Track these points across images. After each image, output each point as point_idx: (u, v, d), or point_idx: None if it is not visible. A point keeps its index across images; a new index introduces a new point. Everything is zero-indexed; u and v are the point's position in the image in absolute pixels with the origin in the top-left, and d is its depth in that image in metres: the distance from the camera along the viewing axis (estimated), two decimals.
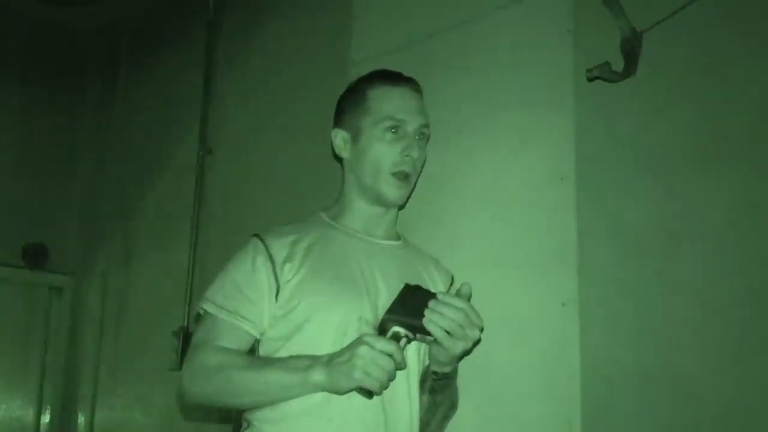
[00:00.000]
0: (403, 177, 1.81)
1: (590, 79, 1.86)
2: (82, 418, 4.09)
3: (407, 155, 1.81)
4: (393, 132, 1.81)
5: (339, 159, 1.94)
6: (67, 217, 4.45)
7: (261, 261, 1.72)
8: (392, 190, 1.82)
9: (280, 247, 1.74)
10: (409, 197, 1.90)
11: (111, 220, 4.20)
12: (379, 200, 1.84)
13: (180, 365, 3.03)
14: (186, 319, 3.24)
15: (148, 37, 4.26)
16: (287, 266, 1.71)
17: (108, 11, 4.37)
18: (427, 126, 1.87)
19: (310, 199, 2.61)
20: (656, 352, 1.72)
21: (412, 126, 1.83)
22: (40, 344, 4.37)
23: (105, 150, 4.40)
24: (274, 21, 3.19)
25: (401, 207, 1.95)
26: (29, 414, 4.29)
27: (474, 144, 2.15)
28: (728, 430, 1.58)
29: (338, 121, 1.91)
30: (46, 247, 4.31)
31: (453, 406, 1.89)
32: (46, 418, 4.30)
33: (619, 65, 1.83)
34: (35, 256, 4.28)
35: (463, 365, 1.81)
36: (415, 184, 1.90)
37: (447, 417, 1.89)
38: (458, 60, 2.25)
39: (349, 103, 1.90)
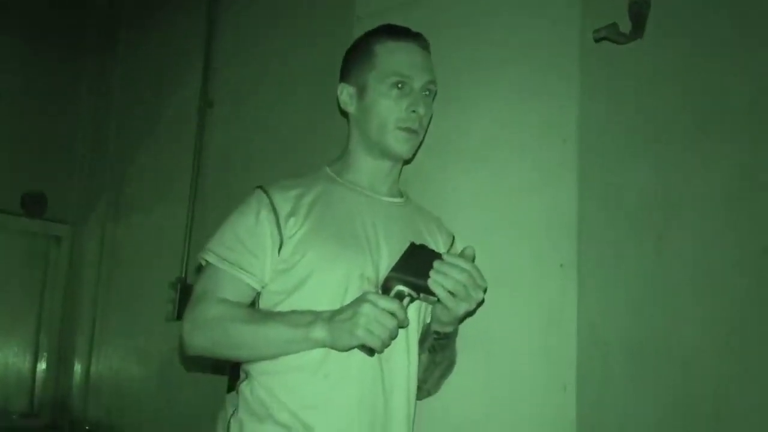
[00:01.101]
0: (410, 131, 1.81)
1: (597, 40, 1.84)
2: (79, 367, 4.11)
3: (413, 111, 1.80)
4: (399, 88, 1.80)
5: (345, 114, 1.93)
6: (67, 166, 4.43)
7: (264, 214, 1.72)
8: (399, 144, 1.81)
9: (284, 200, 1.74)
10: (416, 151, 1.90)
11: (111, 171, 4.19)
12: (386, 154, 1.84)
13: (177, 316, 3.06)
14: (184, 271, 3.25)
15: None
16: (291, 220, 1.71)
17: None
18: (433, 82, 1.86)
19: (310, 153, 2.61)
20: (652, 318, 1.73)
21: (418, 82, 1.82)
22: (37, 293, 4.38)
23: (106, 100, 4.37)
24: None
25: (408, 161, 1.95)
26: (25, 362, 4.32)
27: (477, 102, 2.15)
28: (722, 396, 1.59)
29: (344, 76, 1.90)
30: (45, 195, 4.31)
31: (451, 366, 1.91)
32: (42, 367, 4.33)
33: (626, 27, 1.82)
34: (34, 205, 4.27)
35: (461, 326, 1.82)
36: (423, 139, 1.89)
37: (444, 376, 1.91)
38: (463, 17, 2.23)
39: (355, 58, 1.89)
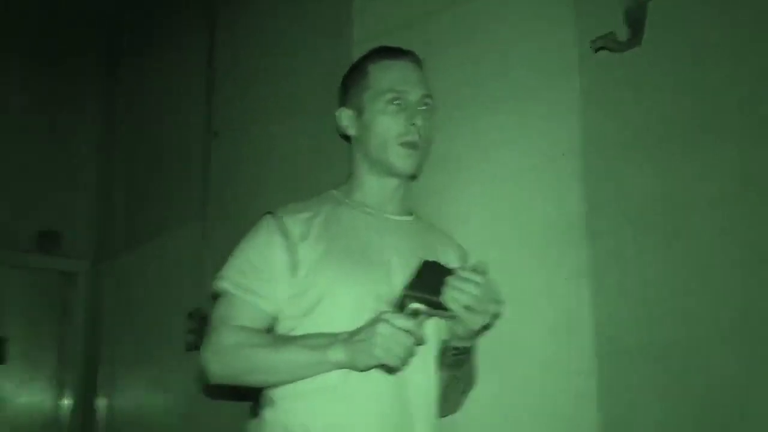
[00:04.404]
0: (411, 146, 1.82)
1: (595, 50, 1.85)
2: (103, 402, 4.12)
3: (412, 124, 1.81)
4: (396, 104, 1.82)
5: (346, 138, 1.95)
6: (79, 202, 4.47)
7: (276, 238, 1.73)
8: (401, 160, 1.82)
9: (295, 224, 1.75)
10: (420, 167, 1.91)
11: (123, 204, 4.22)
12: (390, 171, 1.85)
13: (196, 346, 3.06)
14: (201, 300, 3.27)
15: (150, 22, 4.26)
16: (303, 244, 1.73)
17: None
18: (429, 96, 1.88)
19: (317, 177, 2.62)
20: (668, 322, 1.72)
21: (413, 96, 1.84)
22: (56, 330, 4.41)
23: (113, 135, 4.42)
24: (277, 1, 3.19)
25: (413, 178, 1.95)
26: (48, 400, 4.34)
27: (479, 120, 2.16)
28: (743, 398, 1.59)
29: (342, 100, 1.94)
30: (58, 233, 4.34)
31: (472, 381, 1.91)
32: (66, 404, 4.35)
33: (623, 35, 1.83)
34: (49, 242, 4.31)
35: (479, 342, 1.82)
36: (427, 154, 1.90)
37: (465, 392, 1.91)
38: (461, 36, 2.25)
39: (351, 82, 1.92)
